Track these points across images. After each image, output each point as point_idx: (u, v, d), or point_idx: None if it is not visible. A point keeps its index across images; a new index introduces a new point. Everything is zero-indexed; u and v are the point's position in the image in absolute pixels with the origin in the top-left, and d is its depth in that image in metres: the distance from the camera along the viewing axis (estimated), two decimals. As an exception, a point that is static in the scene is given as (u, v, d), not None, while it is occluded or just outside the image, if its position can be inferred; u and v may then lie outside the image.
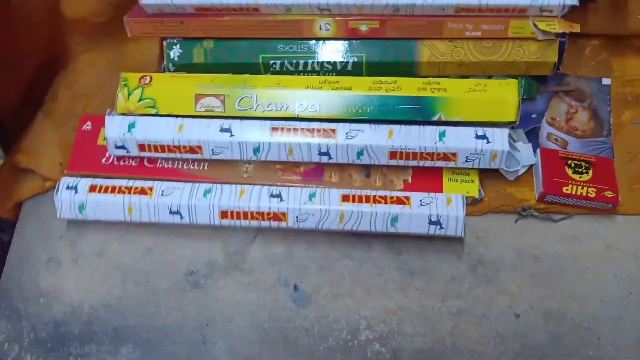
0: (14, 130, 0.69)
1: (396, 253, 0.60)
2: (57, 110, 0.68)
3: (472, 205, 0.60)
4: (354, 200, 0.58)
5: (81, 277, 0.60)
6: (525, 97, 0.63)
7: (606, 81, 0.66)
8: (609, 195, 0.59)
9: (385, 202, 0.57)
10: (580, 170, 0.60)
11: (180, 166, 0.62)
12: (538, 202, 0.61)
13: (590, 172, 0.60)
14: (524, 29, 0.58)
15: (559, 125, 0.64)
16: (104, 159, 0.62)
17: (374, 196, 0.58)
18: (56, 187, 0.60)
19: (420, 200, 0.57)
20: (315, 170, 0.61)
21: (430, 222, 0.57)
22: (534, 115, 0.65)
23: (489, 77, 0.62)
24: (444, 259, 0.59)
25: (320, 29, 0.59)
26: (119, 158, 0.62)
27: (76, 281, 0.60)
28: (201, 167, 0.62)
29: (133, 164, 0.62)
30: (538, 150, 0.62)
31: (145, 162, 0.62)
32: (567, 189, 0.59)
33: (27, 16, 0.64)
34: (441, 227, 0.57)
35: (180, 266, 0.60)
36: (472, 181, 0.60)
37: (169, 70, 0.63)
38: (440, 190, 0.60)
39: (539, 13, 0.57)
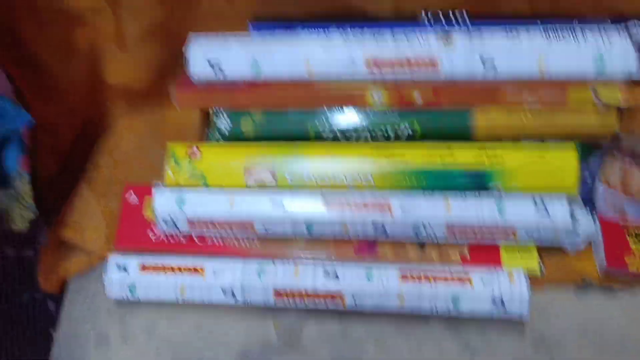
0: (51, 195, 0.67)
1: (456, 331, 0.58)
2: (99, 179, 0.66)
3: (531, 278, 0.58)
4: (413, 279, 0.56)
5: (131, 356, 0.59)
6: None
7: (660, 139, 0.64)
8: (676, 268, 0.57)
9: (446, 280, 0.56)
10: (643, 240, 0.58)
11: (230, 242, 0.60)
12: (600, 275, 0.59)
13: (654, 242, 0.58)
14: (584, 99, 0.56)
15: (614, 187, 0.63)
16: (151, 234, 0.61)
17: (434, 276, 0.56)
18: (105, 267, 0.58)
19: (482, 279, 0.56)
20: (369, 243, 0.60)
21: (494, 303, 0.55)
22: (586, 177, 0.63)
23: (543, 140, 0.60)
24: (506, 338, 0.57)
25: (373, 98, 0.58)
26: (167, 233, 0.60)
27: (127, 362, 0.59)
28: (252, 243, 0.60)
29: (182, 239, 0.60)
30: (596, 218, 0.60)
31: (195, 238, 0.60)
32: (631, 264, 0.57)
33: (68, 85, 0.63)
34: (505, 312, 0.55)
35: (234, 346, 0.58)
36: (531, 252, 0.59)
37: (216, 141, 0.61)
38: (499, 263, 0.58)
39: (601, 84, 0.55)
